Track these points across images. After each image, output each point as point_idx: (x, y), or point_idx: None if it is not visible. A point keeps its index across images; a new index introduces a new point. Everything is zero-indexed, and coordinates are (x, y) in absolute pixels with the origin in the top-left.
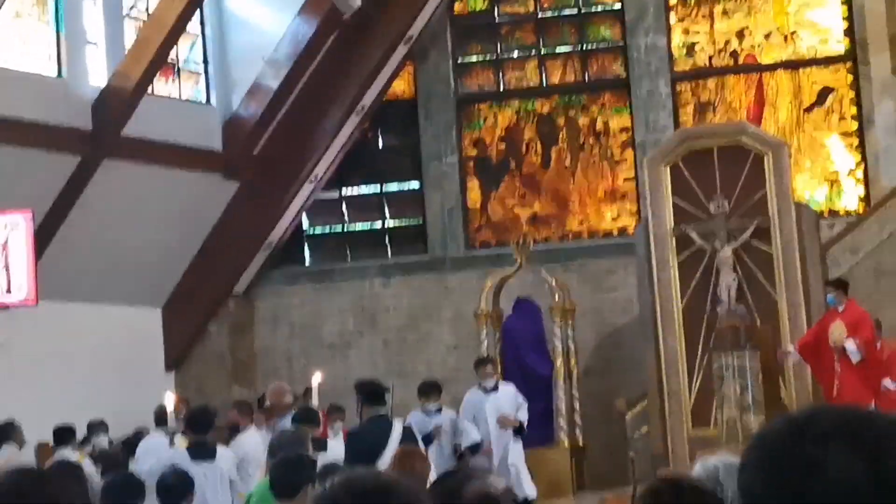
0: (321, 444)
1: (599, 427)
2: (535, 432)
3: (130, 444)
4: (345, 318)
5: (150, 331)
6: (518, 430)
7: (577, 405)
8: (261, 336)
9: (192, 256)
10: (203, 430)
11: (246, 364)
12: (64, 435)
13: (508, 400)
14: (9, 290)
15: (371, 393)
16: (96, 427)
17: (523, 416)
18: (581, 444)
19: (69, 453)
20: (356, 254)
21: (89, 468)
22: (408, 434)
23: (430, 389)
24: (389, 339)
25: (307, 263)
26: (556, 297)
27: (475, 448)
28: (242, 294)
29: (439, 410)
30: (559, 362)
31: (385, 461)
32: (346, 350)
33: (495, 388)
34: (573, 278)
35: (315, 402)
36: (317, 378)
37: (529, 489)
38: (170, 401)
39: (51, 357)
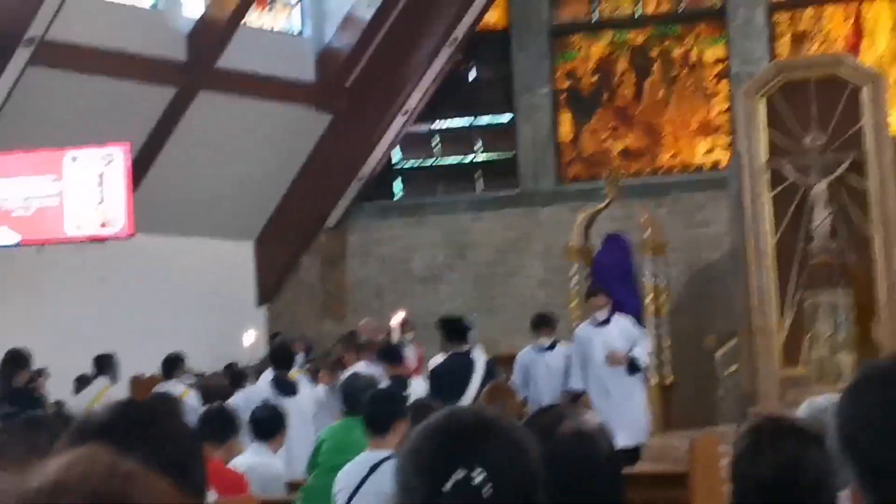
0: (402, 383)
1: (688, 365)
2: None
3: (236, 376)
4: (435, 251)
5: (242, 264)
6: (633, 368)
7: (666, 342)
8: (352, 269)
9: (285, 189)
10: (285, 365)
11: (337, 297)
12: (170, 366)
13: (623, 333)
14: (105, 224)
15: (453, 329)
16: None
17: (640, 351)
18: (670, 382)
19: (173, 386)
20: (447, 187)
21: (193, 401)
22: (490, 370)
23: (540, 323)
24: (479, 273)
25: (398, 197)
26: (647, 232)
27: (575, 397)
28: (334, 227)
29: (552, 346)
30: (649, 298)
31: (468, 398)
32: (436, 284)
33: (606, 322)
34: (664, 213)
35: (396, 338)
36: (398, 317)
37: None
38: (250, 338)
39: (146, 290)
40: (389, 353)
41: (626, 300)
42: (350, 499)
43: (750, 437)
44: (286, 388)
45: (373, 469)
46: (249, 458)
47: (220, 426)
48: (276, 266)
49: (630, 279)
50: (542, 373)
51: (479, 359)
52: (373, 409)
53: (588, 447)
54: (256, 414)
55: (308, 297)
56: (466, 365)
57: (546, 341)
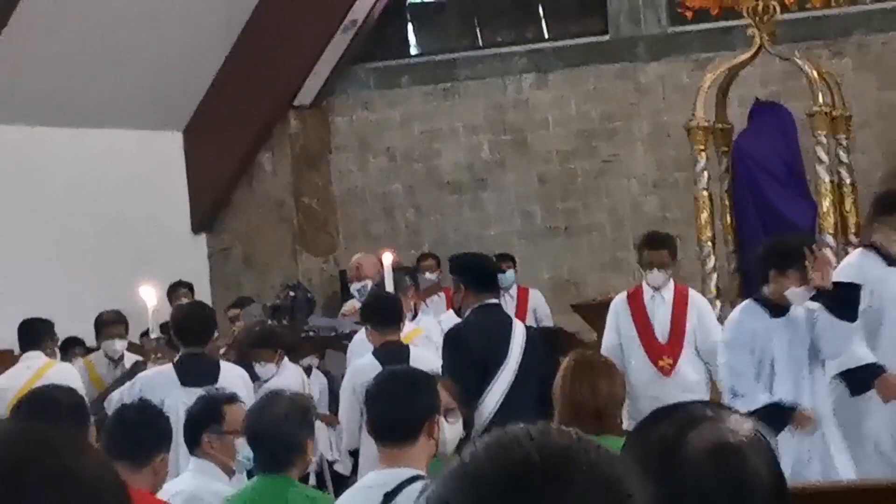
0: (400, 353)
1: None
2: None
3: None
4: (475, 139)
5: (165, 168)
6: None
7: None
8: (342, 173)
9: (228, 48)
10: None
11: (319, 218)
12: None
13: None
14: None
15: (478, 273)
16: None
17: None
18: None
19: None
20: (491, 34)
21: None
22: (551, 336)
23: (656, 242)
24: (548, 172)
25: (413, 52)
26: (820, 96)
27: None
28: (310, 106)
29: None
30: (826, 204)
31: (506, 378)
32: (479, 192)
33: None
34: (848, 66)
35: (389, 286)
36: (388, 258)
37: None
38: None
39: (13, 209)
40: (376, 310)
41: (790, 207)
42: None
43: None
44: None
45: (389, 497)
46: (190, 482)
47: (142, 437)
48: (219, 170)
49: (794, 173)
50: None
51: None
52: (382, 406)
53: (735, 472)
54: (193, 414)
55: (273, 218)
56: (501, 323)
57: (660, 278)
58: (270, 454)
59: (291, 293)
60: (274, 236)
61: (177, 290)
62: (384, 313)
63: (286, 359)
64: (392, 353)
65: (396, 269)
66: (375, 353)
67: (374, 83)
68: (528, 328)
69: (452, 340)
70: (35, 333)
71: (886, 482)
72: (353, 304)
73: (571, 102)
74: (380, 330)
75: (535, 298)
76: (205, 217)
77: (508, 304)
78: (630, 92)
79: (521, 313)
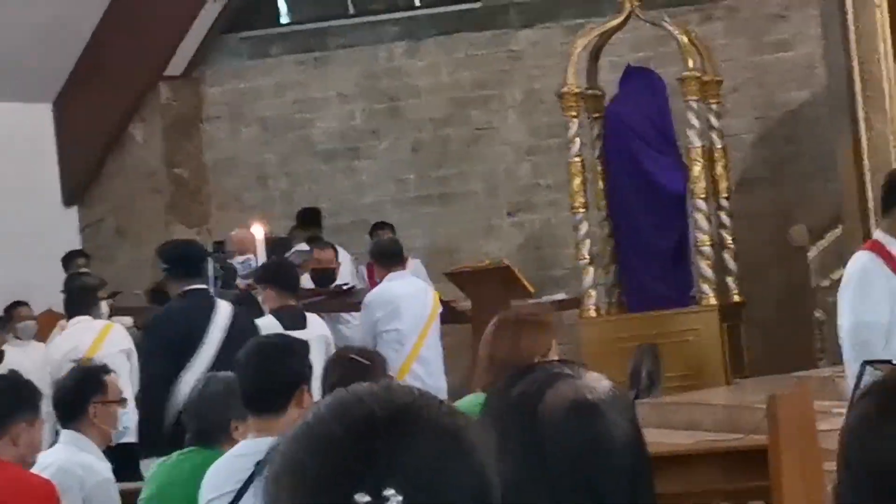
0: (298, 318)
1: (765, 272)
2: (666, 285)
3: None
4: (349, 107)
5: (36, 139)
6: None
7: (728, 238)
8: (215, 142)
9: (96, 20)
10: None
11: (192, 189)
12: None
13: None
14: None
15: (180, 260)
16: None
17: None
18: (737, 299)
19: None
20: (363, 2)
21: None
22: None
23: None
24: (422, 140)
25: (284, 20)
26: (691, 61)
27: None
28: (181, 76)
29: None
30: (697, 169)
31: (203, 359)
32: (353, 160)
33: None
34: (718, 29)
35: (262, 258)
36: (259, 231)
37: None
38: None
39: None
40: (278, 273)
41: (661, 173)
42: None
43: (876, 396)
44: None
45: (261, 466)
46: (59, 454)
47: (4, 403)
48: (90, 141)
49: (665, 139)
50: None
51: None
52: (252, 373)
53: (593, 428)
54: (65, 385)
55: (145, 189)
56: (201, 310)
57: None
58: (200, 431)
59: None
60: (146, 207)
61: (73, 259)
62: (285, 277)
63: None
64: (292, 317)
65: (270, 239)
66: (275, 314)
67: (245, 53)
68: (236, 310)
69: (151, 327)
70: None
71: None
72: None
73: (444, 70)
74: (279, 293)
75: (416, 268)
76: (76, 189)
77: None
78: (502, 59)
79: None
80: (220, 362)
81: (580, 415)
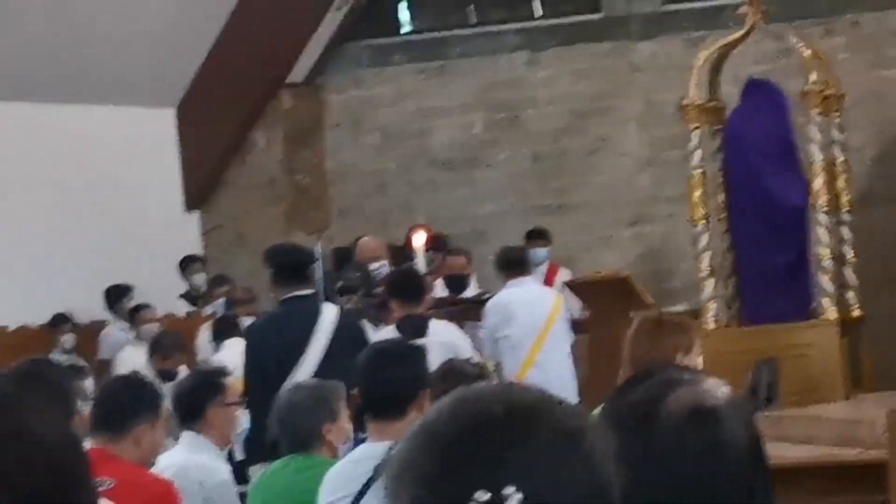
0: (420, 326)
1: (885, 288)
2: (785, 299)
3: None
4: (468, 117)
5: (159, 144)
6: None
7: (849, 252)
8: (335, 150)
9: (220, 26)
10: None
11: (312, 196)
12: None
13: None
14: None
15: (284, 265)
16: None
17: None
18: (857, 314)
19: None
20: (484, 12)
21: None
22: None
23: None
24: (541, 150)
25: (405, 29)
26: (813, 75)
27: None
28: (303, 82)
29: None
30: (818, 183)
31: (307, 369)
32: (472, 170)
33: None
34: (840, 44)
35: (421, 264)
36: (419, 238)
37: None
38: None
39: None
40: (400, 284)
41: (782, 187)
42: None
43: None
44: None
45: (379, 469)
46: (180, 455)
47: (120, 407)
48: (212, 147)
49: (787, 153)
50: None
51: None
52: (371, 379)
53: (712, 434)
54: (184, 387)
55: (266, 195)
56: (305, 317)
57: None
58: (295, 439)
59: (358, 275)
60: (266, 214)
61: (191, 263)
62: (408, 287)
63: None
64: (413, 326)
65: (393, 248)
66: (397, 325)
67: (366, 61)
68: (344, 314)
69: (251, 335)
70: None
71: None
72: None
73: (563, 81)
74: (403, 303)
75: (564, 276)
76: (198, 194)
77: (538, 280)
78: (622, 70)
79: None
80: (325, 368)
81: (700, 420)
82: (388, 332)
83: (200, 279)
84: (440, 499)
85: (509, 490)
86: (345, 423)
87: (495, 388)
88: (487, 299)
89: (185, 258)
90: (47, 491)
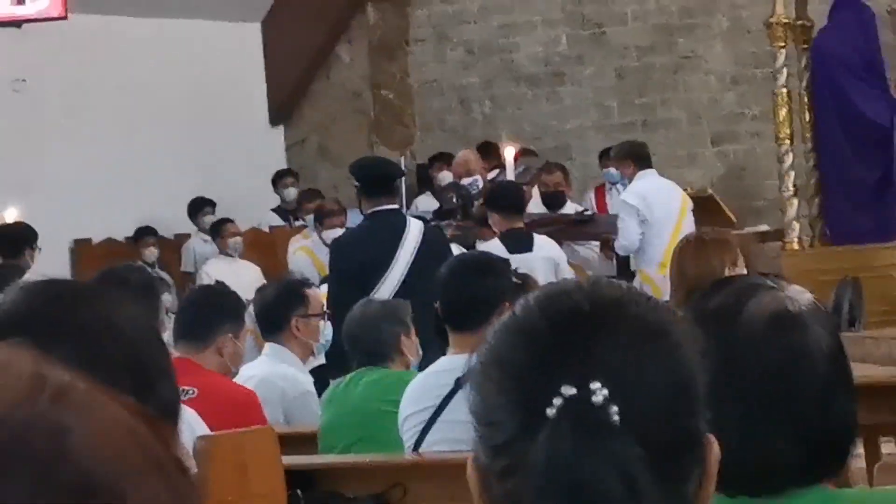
0: (524, 239)
1: None
2: (870, 219)
3: None
4: (553, 32)
5: (243, 58)
6: None
7: None
8: (419, 65)
9: None
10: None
11: (395, 110)
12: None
13: None
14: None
15: (371, 178)
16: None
17: None
18: None
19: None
20: None
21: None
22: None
23: None
24: (625, 66)
25: None
26: None
27: None
28: None
29: None
30: None
31: (391, 284)
32: (557, 85)
33: None
34: None
35: (511, 176)
36: (510, 152)
37: None
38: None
39: (85, 106)
40: (501, 197)
41: (870, 107)
42: (428, 427)
43: None
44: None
45: (461, 381)
46: (264, 366)
47: (204, 315)
48: (297, 61)
49: (877, 71)
50: None
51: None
52: (453, 290)
53: (794, 339)
54: (268, 298)
55: (350, 109)
56: (391, 231)
57: None
58: (366, 353)
59: (454, 197)
60: (350, 127)
61: (284, 178)
62: (510, 200)
63: None
64: (518, 239)
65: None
66: (501, 238)
67: None
68: (429, 229)
69: (336, 248)
70: None
71: None
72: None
73: None
74: (504, 216)
75: None
76: (282, 109)
77: (615, 197)
78: None
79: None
80: (408, 284)
81: (782, 325)
82: (493, 245)
83: (292, 193)
84: (526, 392)
85: (595, 385)
86: (415, 338)
87: (583, 284)
88: (590, 217)
89: (277, 172)
90: (129, 383)
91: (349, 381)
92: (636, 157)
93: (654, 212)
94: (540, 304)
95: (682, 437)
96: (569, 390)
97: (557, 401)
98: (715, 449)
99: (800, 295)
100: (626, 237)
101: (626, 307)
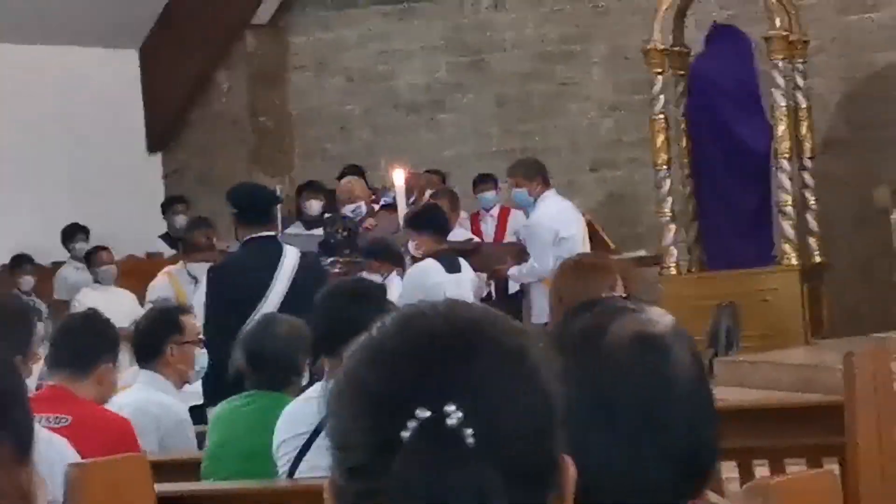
0: (456, 261)
1: (847, 235)
2: (747, 244)
3: None
4: (433, 61)
5: (122, 85)
6: None
7: (811, 199)
8: (299, 92)
9: None
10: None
11: (275, 138)
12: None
13: None
14: None
15: (248, 205)
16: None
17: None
18: (817, 260)
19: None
20: None
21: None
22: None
23: None
24: (506, 94)
25: None
26: (777, 20)
27: None
28: (268, 24)
29: None
30: (781, 129)
31: (269, 309)
32: (436, 113)
33: None
34: None
35: (400, 206)
36: (399, 176)
37: None
38: None
39: None
40: (429, 219)
41: (746, 133)
42: (302, 453)
43: None
44: None
45: None
46: (138, 394)
47: (84, 346)
48: (175, 88)
49: (751, 99)
50: None
51: None
52: (327, 316)
53: (657, 360)
54: (142, 325)
55: (229, 137)
56: (267, 258)
57: None
58: (269, 374)
59: (339, 230)
60: (229, 155)
61: (173, 204)
62: (439, 222)
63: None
64: (449, 261)
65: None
66: (437, 259)
67: (331, 2)
68: (304, 256)
69: (213, 275)
70: None
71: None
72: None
73: (529, 24)
74: (433, 238)
75: (519, 219)
76: (161, 136)
77: (489, 224)
78: (588, 14)
79: (500, 233)
80: (286, 310)
81: (644, 347)
82: (430, 265)
83: (181, 220)
84: (382, 415)
85: (450, 408)
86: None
87: (439, 305)
88: (476, 246)
89: (167, 199)
90: None
91: (238, 405)
92: (544, 177)
93: (570, 229)
94: (397, 325)
95: (540, 458)
96: (423, 413)
97: (412, 423)
98: (571, 470)
99: (661, 317)
100: (542, 262)
101: (484, 329)
